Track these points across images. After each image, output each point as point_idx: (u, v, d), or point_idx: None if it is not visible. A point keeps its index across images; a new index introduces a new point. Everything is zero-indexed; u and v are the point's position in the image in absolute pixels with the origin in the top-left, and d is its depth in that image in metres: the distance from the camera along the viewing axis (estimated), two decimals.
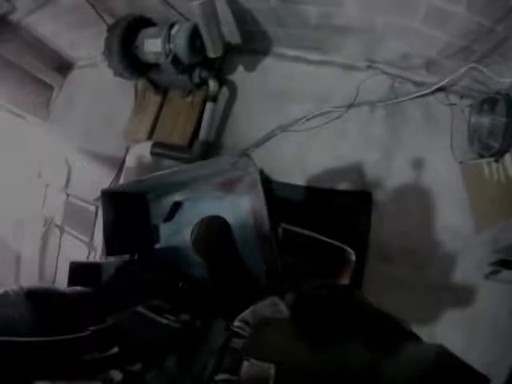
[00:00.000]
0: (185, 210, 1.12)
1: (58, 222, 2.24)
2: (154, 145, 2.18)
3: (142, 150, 2.22)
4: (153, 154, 2.19)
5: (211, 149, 2.18)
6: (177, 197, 1.10)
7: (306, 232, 1.38)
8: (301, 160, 2.06)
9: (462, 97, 1.90)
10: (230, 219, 1.02)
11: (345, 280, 1.39)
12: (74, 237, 2.15)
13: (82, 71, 3.03)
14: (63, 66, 3.13)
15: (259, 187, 0.92)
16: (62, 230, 2.21)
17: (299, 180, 2.03)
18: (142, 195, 1.15)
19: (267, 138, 2.13)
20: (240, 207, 0.99)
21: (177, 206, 1.11)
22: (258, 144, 2.15)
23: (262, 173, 0.95)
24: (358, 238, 1.83)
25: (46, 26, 2.65)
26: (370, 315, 0.69)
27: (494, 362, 1.67)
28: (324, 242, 1.34)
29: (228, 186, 0.99)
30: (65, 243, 2.19)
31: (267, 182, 0.93)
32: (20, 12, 2.49)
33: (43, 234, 2.25)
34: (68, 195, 2.24)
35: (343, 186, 1.96)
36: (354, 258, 1.30)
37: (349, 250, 1.31)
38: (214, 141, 2.25)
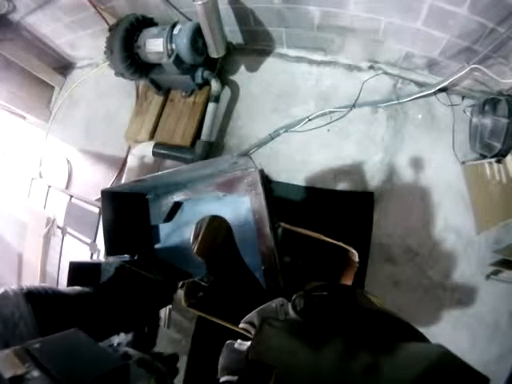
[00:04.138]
0: (185, 209, 1.11)
1: (60, 223, 2.23)
2: (156, 145, 2.18)
3: (144, 150, 2.22)
4: (155, 154, 2.18)
5: (213, 149, 2.17)
6: (177, 197, 1.09)
7: (308, 232, 1.37)
8: (303, 160, 2.07)
9: (463, 97, 1.90)
10: (230, 219, 1.01)
11: (348, 280, 1.39)
12: (77, 238, 2.14)
13: (82, 71, 3.02)
14: (64, 66, 3.14)
15: (259, 187, 0.91)
16: (64, 232, 2.21)
17: (302, 180, 2.04)
18: (142, 195, 1.15)
19: (270, 138, 2.13)
20: (240, 207, 0.98)
21: (177, 205, 1.11)
22: (261, 144, 2.15)
23: (262, 173, 0.94)
24: (359, 238, 1.84)
25: (47, 26, 2.65)
26: (372, 315, 0.68)
27: (495, 361, 1.67)
28: (327, 242, 1.33)
29: (228, 186, 0.98)
30: (67, 244, 2.19)
31: (267, 182, 0.92)
32: (20, 12, 2.50)
33: (45, 235, 2.25)
34: (71, 196, 2.24)
35: (345, 186, 1.96)
36: (357, 258, 1.30)
37: (352, 250, 1.30)
38: (216, 141, 2.25)
